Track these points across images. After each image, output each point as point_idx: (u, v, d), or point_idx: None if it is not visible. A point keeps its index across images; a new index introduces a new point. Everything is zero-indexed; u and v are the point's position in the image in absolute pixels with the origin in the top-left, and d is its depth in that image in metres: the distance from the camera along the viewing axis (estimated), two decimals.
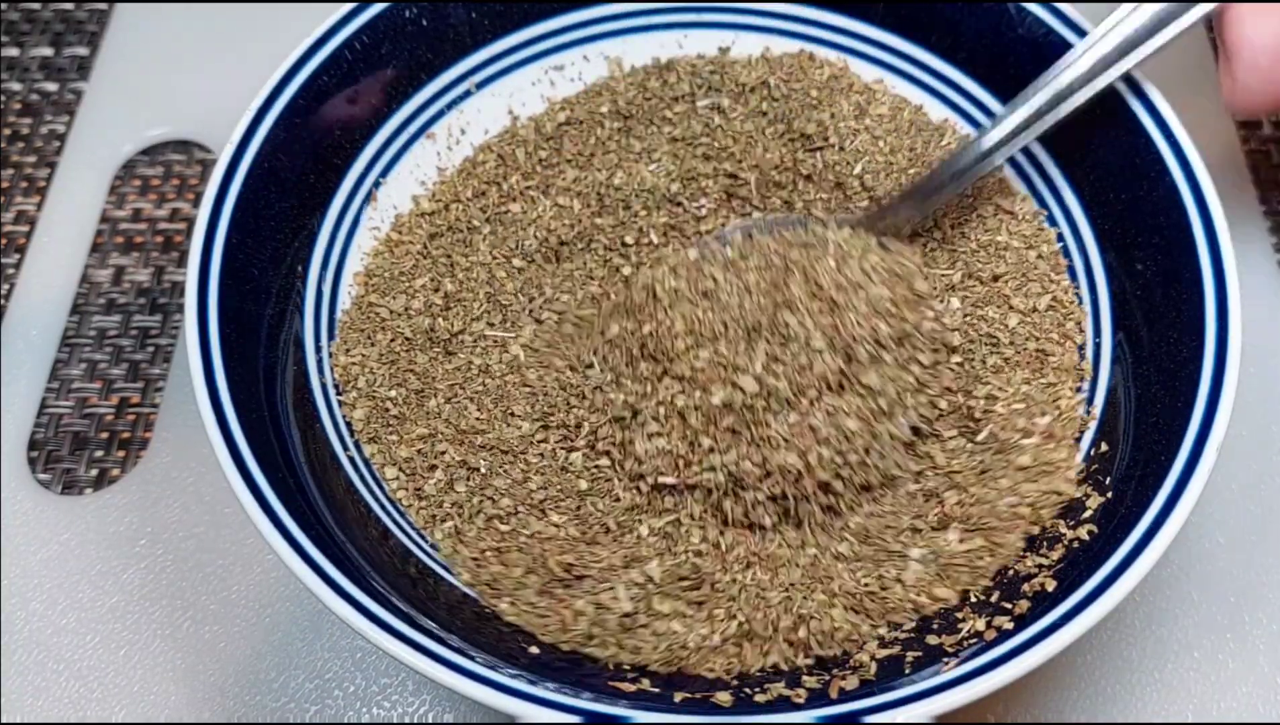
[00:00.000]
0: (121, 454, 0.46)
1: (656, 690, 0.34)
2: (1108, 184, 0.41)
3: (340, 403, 0.41)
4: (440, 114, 0.46)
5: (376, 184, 0.45)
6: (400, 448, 0.40)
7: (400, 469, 0.39)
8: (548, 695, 0.31)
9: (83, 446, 0.47)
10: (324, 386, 0.40)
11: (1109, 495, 0.36)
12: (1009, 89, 0.45)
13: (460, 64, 0.47)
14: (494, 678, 0.31)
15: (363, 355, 0.42)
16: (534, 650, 0.35)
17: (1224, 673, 0.40)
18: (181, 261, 0.52)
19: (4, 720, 0.40)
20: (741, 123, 0.46)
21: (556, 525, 0.38)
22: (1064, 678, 0.40)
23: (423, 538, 0.38)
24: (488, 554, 0.37)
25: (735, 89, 0.47)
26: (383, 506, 0.38)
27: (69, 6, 0.60)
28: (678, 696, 0.33)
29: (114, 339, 0.49)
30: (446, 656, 0.31)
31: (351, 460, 0.39)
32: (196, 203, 0.53)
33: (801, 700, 0.33)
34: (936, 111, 0.46)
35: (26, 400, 0.47)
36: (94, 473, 0.46)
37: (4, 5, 0.61)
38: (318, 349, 0.41)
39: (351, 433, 0.40)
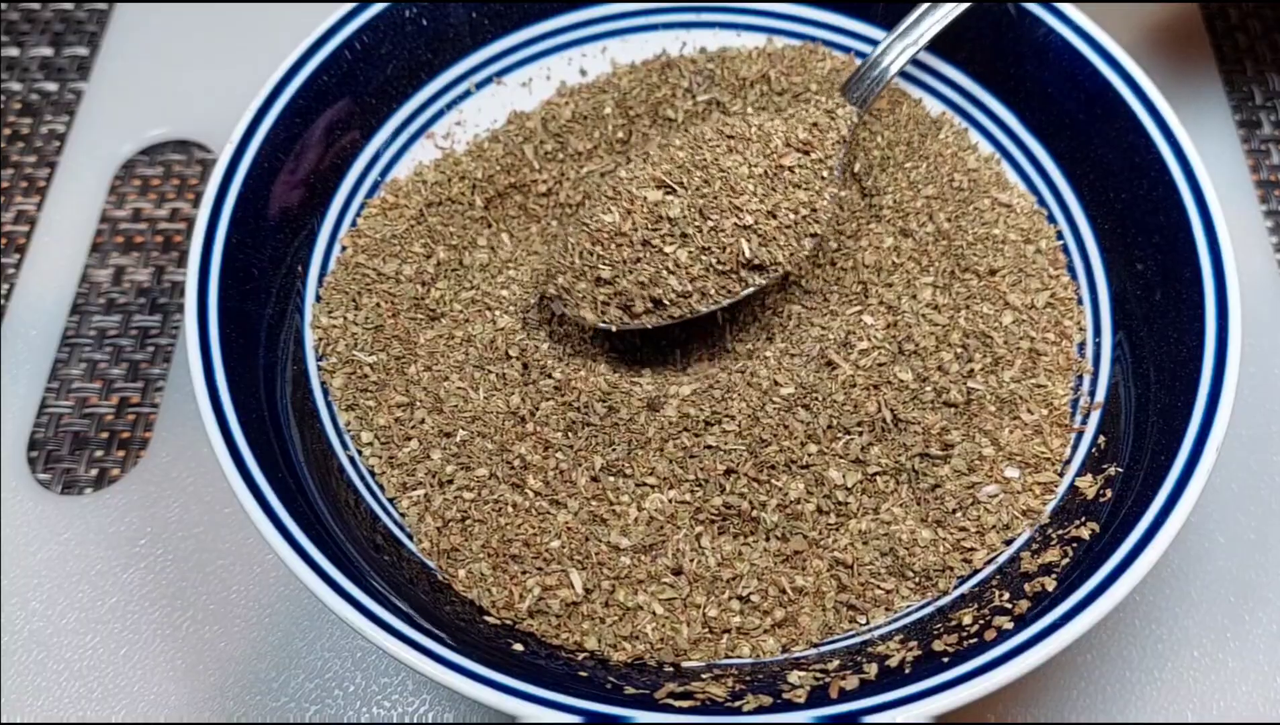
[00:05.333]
0: (121, 454, 0.46)
1: (644, 685, 0.34)
2: (1108, 184, 0.41)
3: (320, 368, 0.41)
4: (440, 114, 0.46)
5: (376, 184, 0.45)
6: (378, 415, 0.40)
7: (376, 436, 0.39)
8: (548, 695, 0.31)
9: (83, 446, 0.47)
10: (324, 386, 0.40)
11: (1109, 494, 0.36)
12: (1010, 89, 0.45)
13: (460, 64, 0.47)
14: (494, 678, 0.31)
15: (345, 318, 0.41)
16: (489, 622, 0.35)
17: (1224, 672, 0.40)
18: (181, 261, 0.52)
19: (4, 720, 0.40)
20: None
21: (528, 494, 0.38)
22: (1064, 678, 0.40)
23: (395, 508, 0.38)
24: (451, 524, 0.37)
25: (735, 83, 0.47)
26: (383, 506, 0.38)
27: (69, 6, 0.60)
28: (665, 691, 0.33)
29: (114, 339, 0.49)
30: (446, 656, 0.31)
31: (351, 460, 0.39)
32: (196, 203, 0.53)
33: (801, 700, 0.33)
34: (935, 107, 0.46)
35: (26, 400, 0.47)
36: (94, 473, 0.46)
37: (4, 5, 0.61)
38: (323, 386, 0.41)
39: (327, 397, 0.40)
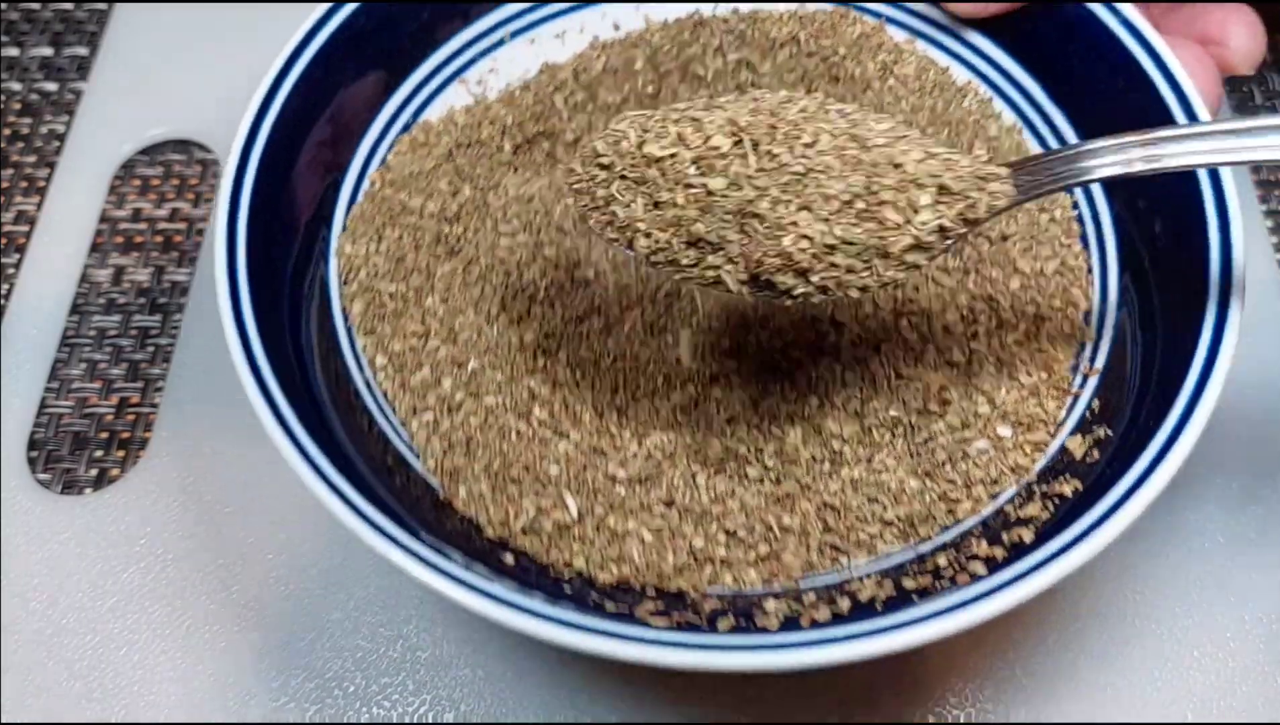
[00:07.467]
0: (121, 454, 0.46)
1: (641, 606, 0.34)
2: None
3: (341, 294, 0.41)
4: (474, 61, 0.47)
5: (408, 125, 0.46)
6: (393, 341, 0.40)
7: (390, 361, 0.40)
8: (531, 604, 0.31)
9: (83, 446, 0.47)
10: (344, 312, 0.41)
11: (1096, 456, 0.36)
12: (1036, 58, 0.45)
13: (495, 13, 0.47)
14: (520, 602, 0.31)
15: (369, 248, 0.42)
16: (486, 539, 0.36)
17: (1224, 672, 0.40)
18: (181, 262, 0.52)
19: (4, 720, 0.40)
20: (769, 81, 0.47)
21: (533, 423, 0.39)
22: (1064, 678, 0.40)
23: (404, 430, 0.39)
24: (456, 447, 0.38)
25: (765, 43, 0.47)
26: (394, 429, 0.39)
27: (69, 6, 0.60)
28: (644, 609, 0.34)
29: (114, 339, 0.49)
30: (478, 584, 0.31)
31: (367, 384, 0.40)
32: (196, 203, 0.53)
33: (774, 628, 0.33)
34: (962, 75, 0.47)
35: (26, 400, 0.47)
36: (94, 473, 0.46)
37: (4, 5, 0.61)
38: (344, 311, 0.42)
39: (347, 322, 0.41)
